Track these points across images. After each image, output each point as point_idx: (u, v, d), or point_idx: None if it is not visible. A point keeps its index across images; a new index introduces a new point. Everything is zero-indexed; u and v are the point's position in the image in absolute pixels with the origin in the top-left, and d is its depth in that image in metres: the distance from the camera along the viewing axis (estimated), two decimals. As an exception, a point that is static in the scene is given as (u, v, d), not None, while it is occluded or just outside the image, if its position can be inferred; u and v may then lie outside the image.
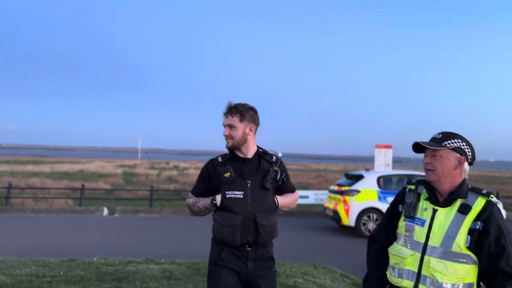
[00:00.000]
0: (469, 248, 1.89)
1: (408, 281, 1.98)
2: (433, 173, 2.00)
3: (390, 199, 9.78)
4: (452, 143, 1.99)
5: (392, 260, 2.09)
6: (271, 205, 2.55)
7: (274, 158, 2.62)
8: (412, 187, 2.12)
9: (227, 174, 2.46)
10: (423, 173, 10.84)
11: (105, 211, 12.77)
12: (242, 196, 2.46)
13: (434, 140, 2.03)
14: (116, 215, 12.63)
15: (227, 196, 2.46)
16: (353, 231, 9.87)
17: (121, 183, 21.67)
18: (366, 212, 9.73)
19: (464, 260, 1.89)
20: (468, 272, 1.90)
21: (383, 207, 9.72)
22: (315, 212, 13.28)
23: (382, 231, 2.22)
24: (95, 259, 5.94)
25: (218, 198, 2.47)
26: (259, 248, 2.51)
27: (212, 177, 2.55)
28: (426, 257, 1.94)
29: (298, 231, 10.25)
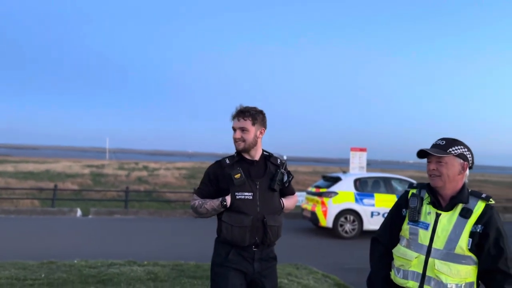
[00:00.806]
0: (470, 250, 1.99)
1: (413, 282, 2.05)
2: (439, 179, 2.07)
3: (367, 200, 10.03)
4: (456, 149, 2.08)
5: (397, 262, 2.16)
6: (278, 206, 2.62)
7: (279, 160, 2.68)
8: (415, 191, 2.20)
9: (237, 176, 2.49)
10: (396, 176, 11.21)
11: (79, 212, 12.44)
12: (251, 197, 2.50)
13: (437, 146, 2.10)
14: (90, 216, 12.33)
15: (237, 197, 2.49)
16: (331, 232, 10.04)
17: (89, 183, 21.15)
18: (343, 213, 9.92)
19: (466, 261, 2.00)
20: (470, 272, 2.01)
21: (360, 208, 9.95)
22: (293, 214, 13.37)
23: (386, 233, 2.28)
24: (76, 261, 5.79)
25: (228, 199, 2.49)
26: (265, 249, 2.56)
27: (219, 179, 2.56)
28: (430, 259, 2.03)
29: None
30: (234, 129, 2.58)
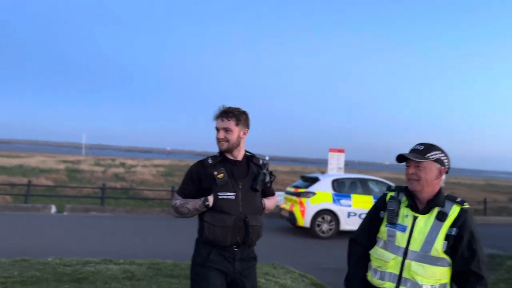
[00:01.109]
0: (445, 252, 2.06)
1: (390, 283, 2.11)
2: (418, 183, 2.12)
3: (344, 201, 10.16)
4: (434, 154, 2.14)
5: (374, 263, 2.21)
6: (260, 207, 2.65)
7: (261, 161, 2.70)
8: (393, 194, 2.25)
9: (220, 175, 2.50)
10: (373, 177, 11.40)
11: (53, 209, 12.18)
12: (234, 197, 2.51)
13: (416, 151, 2.15)
14: (65, 213, 12.09)
15: (220, 197, 2.50)
16: (308, 232, 10.13)
17: (64, 179, 20.70)
18: (321, 213, 10.03)
19: (441, 263, 2.06)
20: (444, 274, 2.08)
21: (337, 209, 10.08)
22: (271, 213, 13.42)
23: (365, 234, 2.32)
24: (50, 259, 5.69)
25: (211, 199, 2.49)
26: (246, 249, 2.59)
27: (202, 179, 2.56)
28: (407, 261, 2.08)
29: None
30: (218, 129, 2.58)
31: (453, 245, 2.06)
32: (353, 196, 10.28)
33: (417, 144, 2.20)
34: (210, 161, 2.59)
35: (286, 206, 10.70)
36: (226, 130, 2.55)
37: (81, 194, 15.32)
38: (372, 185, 10.79)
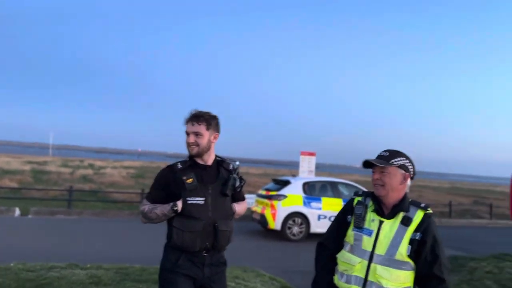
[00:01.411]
0: (409, 256, 2.12)
1: (355, 286, 2.15)
2: (383, 188, 2.19)
3: (314, 204, 10.28)
4: (398, 161, 2.20)
5: (341, 267, 2.24)
6: (229, 211, 2.65)
7: (231, 166, 2.70)
8: (360, 198, 2.30)
9: (190, 180, 2.48)
10: (343, 180, 11.58)
11: (17, 212, 11.77)
12: (203, 202, 2.50)
13: (382, 157, 2.22)
14: (30, 216, 11.69)
15: (189, 202, 2.48)
16: (279, 235, 10.18)
17: (29, 181, 20.05)
18: (292, 216, 10.11)
19: (405, 267, 2.12)
20: (408, 277, 2.13)
21: (307, 211, 10.19)
22: (242, 216, 13.36)
23: (333, 238, 2.35)
24: (12, 264, 5.49)
25: (179, 204, 2.47)
26: (215, 254, 2.57)
27: (170, 183, 2.54)
28: (372, 265, 2.13)
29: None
30: (188, 134, 2.56)
31: (417, 249, 2.12)
32: (323, 199, 10.41)
33: (383, 151, 2.27)
34: (179, 165, 2.57)
35: (258, 209, 10.72)
36: (197, 134, 2.53)
37: (47, 197, 14.87)
38: (342, 188, 10.95)
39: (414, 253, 2.12)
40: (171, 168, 2.59)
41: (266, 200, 10.46)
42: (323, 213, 10.19)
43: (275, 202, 10.14)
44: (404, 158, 2.23)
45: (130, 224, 11.33)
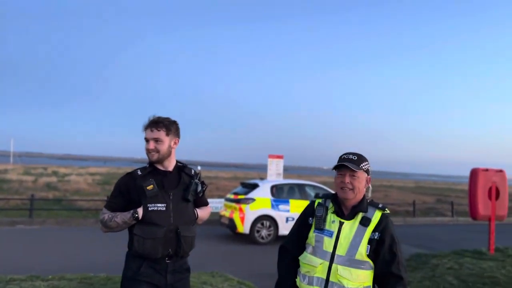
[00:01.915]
0: (368, 256, 2.17)
1: (317, 287, 2.18)
2: (351, 192, 2.22)
3: (282, 206, 10.35)
4: (365, 165, 2.27)
5: (303, 269, 2.27)
6: (192, 217, 2.63)
7: (193, 171, 2.69)
8: (320, 201, 2.34)
9: (150, 187, 2.45)
10: (310, 182, 11.72)
11: (-26, 223, 11.25)
12: (164, 208, 2.47)
13: (352, 161, 2.25)
14: (-12, 227, 11.21)
15: (150, 208, 2.45)
16: (248, 239, 10.19)
17: (-11, 190, 19.25)
18: (260, 219, 10.15)
19: (365, 267, 2.17)
20: (368, 276, 2.19)
21: (276, 214, 10.25)
22: (210, 221, 13.35)
23: (294, 241, 2.38)
24: (-32, 278, 5.25)
25: (140, 211, 2.44)
26: (178, 260, 2.55)
27: (131, 191, 2.51)
28: (334, 265, 2.16)
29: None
30: (147, 140, 2.53)
31: (376, 248, 2.17)
32: (291, 201, 10.50)
33: (350, 154, 2.30)
34: (139, 172, 2.54)
35: (226, 213, 10.70)
36: (156, 140, 2.51)
37: (8, 206, 14.32)
38: (309, 190, 11.09)
39: (373, 253, 2.18)
40: (131, 175, 2.55)
41: (234, 204, 10.45)
42: (291, 215, 10.27)
43: (243, 206, 10.15)
44: (367, 163, 2.30)
45: (95, 232, 11.02)
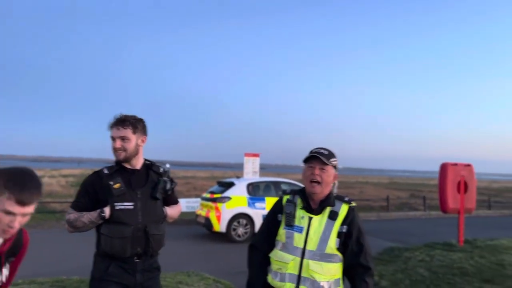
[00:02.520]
0: (338, 249, 2.22)
1: (290, 284, 2.19)
2: (319, 186, 2.26)
3: (258, 204, 10.39)
4: (334, 160, 2.32)
5: (274, 266, 2.28)
6: (160, 215, 2.60)
7: (162, 169, 2.67)
8: (289, 197, 2.36)
9: (117, 186, 2.43)
10: (285, 180, 11.81)
11: None
12: (132, 207, 2.45)
13: (322, 155, 2.28)
14: (-46, 232, 10.81)
15: (117, 207, 2.43)
16: (224, 237, 10.19)
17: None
18: (237, 218, 10.16)
19: (334, 260, 2.22)
20: (337, 269, 2.24)
21: (252, 212, 10.28)
22: (186, 220, 13.29)
23: (264, 239, 2.39)
24: None
25: (107, 210, 2.41)
26: (147, 259, 2.53)
27: (97, 190, 2.48)
28: (305, 261, 2.19)
29: (170, 240, 10.05)
30: (114, 139, 2.50)
31: (344, 241, 2.23)
32: (267, 199, 10.56)
33: (321, 148, 2.33)
34: (105, 171, 2.52)
35: (202, 212, 10.67)
36: (123, 139, 2.48)
37: (-24, 210, 13.85)
38: (284, 187, 11.16)
39: (342, 245, 2.23)
40: (97, 174, 2.53)
41: (210, 203, 10.43)
42: (267, 212, 10.31)
43: (219, 205, 10.14)
44: (336, 159, 2.34)
45: (69, 235, 10.72)
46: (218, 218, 10.06)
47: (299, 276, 2.18)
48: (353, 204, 2.32)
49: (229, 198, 10.23)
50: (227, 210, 10.07)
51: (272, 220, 2.38)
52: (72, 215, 2.46)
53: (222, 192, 10.53)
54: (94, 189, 2.49)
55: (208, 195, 10.87)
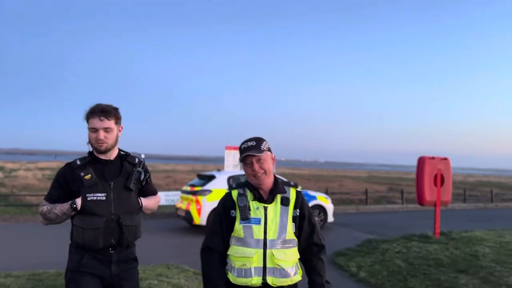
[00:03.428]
0: (295, 233, 2.26)
1: (257, 277, 2.15)
2: (265, 176, 2.25)
3: (239, 197, 10.38)
4: (265, 145, 2.29)
5: (237, 263, 2.19)
6: (135, 206, 2.56)
7: (137, 159, 2.64)
8: (237, 191, 2.29)
9: (87, 176, 2.40)
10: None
11: None
12: (104, 198, 2.42)
13: (253, 148, 2.24)
14: None
15: (88, 198, 2.40)
16: (205, 230, 10.14)
17: None
18: (217, 211, 10.13)
19: (293, 244, 2.26)
20: (296, 253, 2.28)
21: (232, 205, 10.27)
22: (166, 214, 13.22)
23: (219, 239, 2.25)
24: None
25: (79, 201, 2.39)
26: (123, 250, 2.50)
27: (70, 181, 2.45)
28: (268, 251, 2.17)
29: (150, 233, 10.05)
30: (96, 130, 2.45)
31: (299, 224, 2.28)
32: (248, 192, 10.55)
33: (248, 141, 2.28)
34: (78, 162, 2.48)
35: (183, 205, 10.61)
36: (106, 130, 2.45)
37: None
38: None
39: (298, 229, 2.28)
40: (70, 165, 2.49)
41: (191, 196, 10.37)
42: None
43: (200, 198, 10.10)
44: (267, 142, 2.33)
45: (46, 228, 10.55)
46: (199, 211, 10.03)
47: (264, 267, 2.16)
48: (299, 187, 2.39)
49: (209, 191, 10.19)
50: (208, 203, 10.03)
51: (225, 218, 2.26)
52: (45, 207, 2.43)
53: (202, 185, 10.48)
54: (66, 181, 2.45)
55: (189, 188, 10.81)
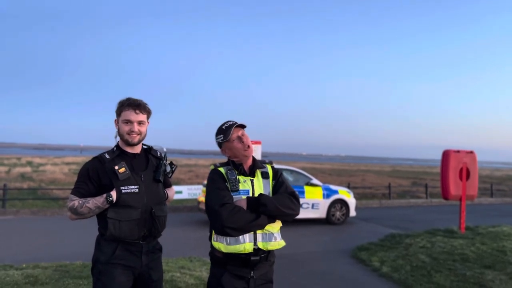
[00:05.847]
0: None
1: (249, 243, 2.30)
2: (250, 150, 2.46)
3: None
4: (242, 123, 2.50)
5: None
6: (163, 197, 2.67)
7: (159, 153, 2.74)
8: (224, 167, 2.46)
9: (122, 170, 2.45)
10: (289, 167, 11.78)
11: None
12: (137, 190, 2.49)
13: (236, 123, 2.46)
14: (-42, 218, 10.91)
15: (123, 191, 2.45)
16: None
17: (-40, 181, 18.68)
18: (238, 204, 10.16)
19: None
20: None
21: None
22: (189, 207, 13.37)
23: (230, 197, 2.32)
24: None
25: (114, 194, 2.42)
26: (151, 241, 2.58)
27: (100, 175, 2.48)
28: None
29: (173, 227, 10.20)
30: (131, 122, 2.53)
31: (276, 190, 2.49)
32: (269, 186, 10.54)
33: (226, 122, 2.50)
34: (107, 156, 2.53)
35: (204, 198, 10.68)
36: (140, 123, 2.56)
37: (-20, 197, 13.92)
38: (287, 175, 11.16)
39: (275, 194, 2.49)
40: (98, 159, 2.54)
41: (212, 190, 10.44)
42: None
43: (221, 191, 10.15)
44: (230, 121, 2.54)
45: (71, 222, 10.87)
46: (220, 205, 10.08)
47: (255, 233, 2.32)
48: (273, 163, 2.64)
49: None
50: (229, 197, 10.08)
51: (224, 186, 2.36)
52: (76, 201, 2.44)
53: (224, 179, 10.53)
54: (97, 174, 2.49)
55: (210, 182, 10.89)
